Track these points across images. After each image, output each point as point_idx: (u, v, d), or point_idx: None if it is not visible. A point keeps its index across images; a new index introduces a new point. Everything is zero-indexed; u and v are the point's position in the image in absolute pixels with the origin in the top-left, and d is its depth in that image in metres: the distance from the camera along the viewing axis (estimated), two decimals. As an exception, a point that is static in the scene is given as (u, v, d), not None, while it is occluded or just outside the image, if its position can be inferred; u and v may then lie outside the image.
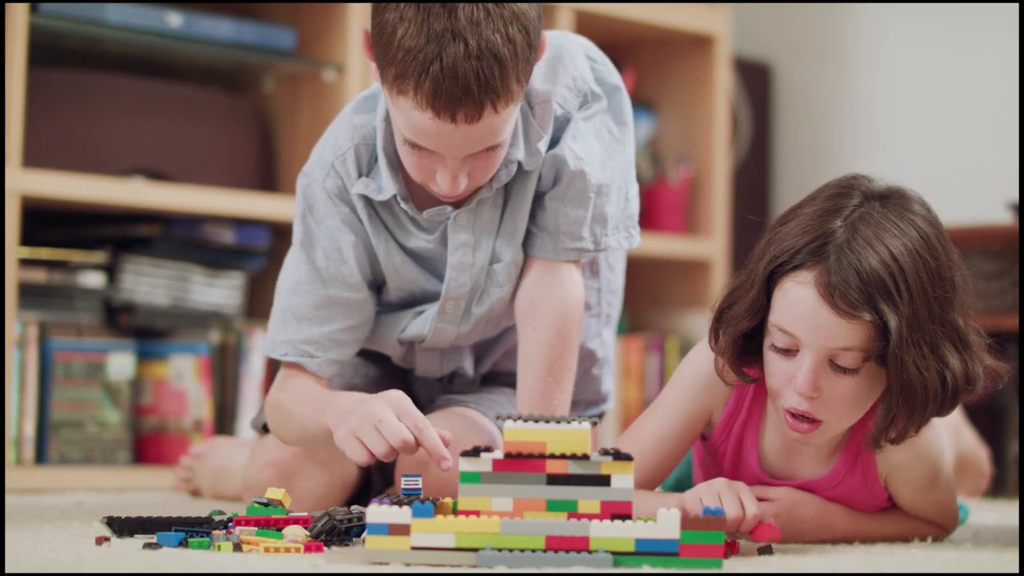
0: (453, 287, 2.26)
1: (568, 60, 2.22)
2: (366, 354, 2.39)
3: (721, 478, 1.99)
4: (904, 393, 1.94)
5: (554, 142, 2.21)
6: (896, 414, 1.95)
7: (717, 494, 1.95)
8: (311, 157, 2.26)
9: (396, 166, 2.18)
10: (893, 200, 1.99)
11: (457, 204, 2.21)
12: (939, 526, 2.16)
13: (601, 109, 2.25)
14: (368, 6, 3.38)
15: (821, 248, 1.94)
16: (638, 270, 3.98)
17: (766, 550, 1.92)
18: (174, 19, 3.18)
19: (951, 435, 2.94)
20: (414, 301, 2.31)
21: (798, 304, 1.95)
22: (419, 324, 2.30)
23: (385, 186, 2.18)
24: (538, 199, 2.24)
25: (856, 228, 1.95)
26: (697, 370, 2.12)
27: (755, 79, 4.33)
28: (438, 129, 2.00)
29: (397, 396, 2.01)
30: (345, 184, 2.21)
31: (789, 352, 1.97)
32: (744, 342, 2.03)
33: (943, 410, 1.98)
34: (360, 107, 2.23)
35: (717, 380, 2.08)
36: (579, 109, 2.23)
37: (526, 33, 2.01)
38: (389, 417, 1.97)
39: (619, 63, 3.86)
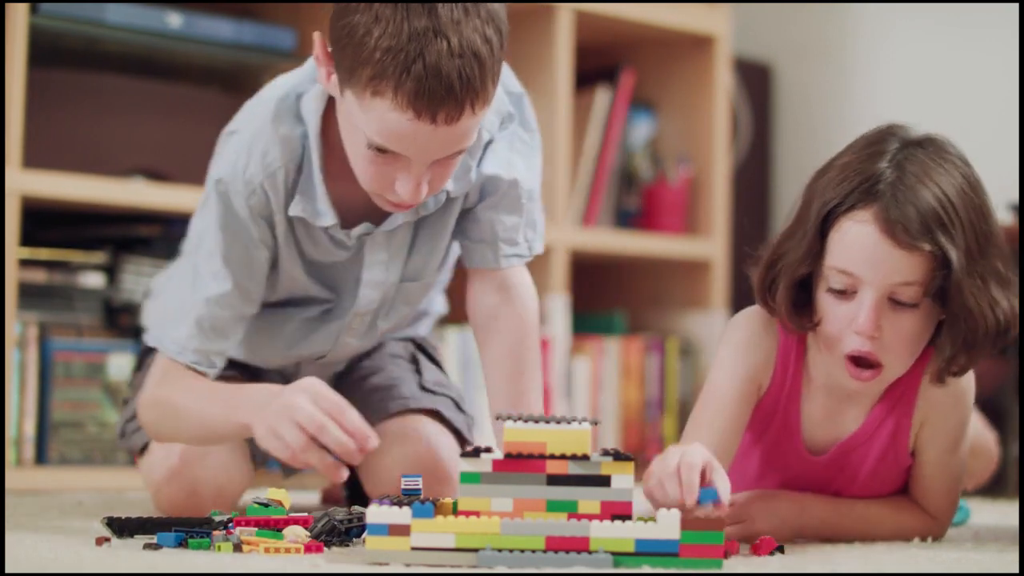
0: (364, 303, 2.26)
1: None
2: None
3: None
4: (968, 323, 1.96)
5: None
6: (960, 344, 1.98)
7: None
8: (223, 161, 2.16)
9: (326, 185, 2.15)
10: (929, 144, 2.04)
11: (377, 222, 2.20)
12: (933, 519, 2.14)
13: (514, 123, 2.27)
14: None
15: (873, 187, 1.97)
16: (638, 270, 3.98)
17: (778, 550, 1.92)
18: (174, 19, 3.18)
19: None
20: (289, 303, 2.28)
21: (858, 241, 1.96)
22: (321, 340, 2.29)
23: (323, 211, 2.14)
24: (467, 213, 2.25)
25: (903, 167, 1.99)
26: (746, 349, 2.09)
27: (755, 79, 4.33)
28: (416, 131, 1.97)
29: (310, 383, 1.91)
30: (271, 203, 2.14)
31: (847, 294, 1.98)
32: (795, 293, 2.03)
33: (998, 344, 2.00)
34: (282, 117, 2.14)
35: (762, 341, 2.08)
36: (499, 129, 2.24)
37: (500, 34, 2.02)
38: (305, 405, 1.88)
39: (619, 63, 3.88)
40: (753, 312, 2.11)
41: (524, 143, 2.26)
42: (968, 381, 2.11)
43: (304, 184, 2.14)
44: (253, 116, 2.18)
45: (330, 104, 2.13)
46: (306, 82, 2.16)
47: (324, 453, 1.87)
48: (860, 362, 2.00)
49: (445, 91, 1.94)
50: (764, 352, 2.09)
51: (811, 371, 2.09)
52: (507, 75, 2.23)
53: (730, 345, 2.10)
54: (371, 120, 1.99)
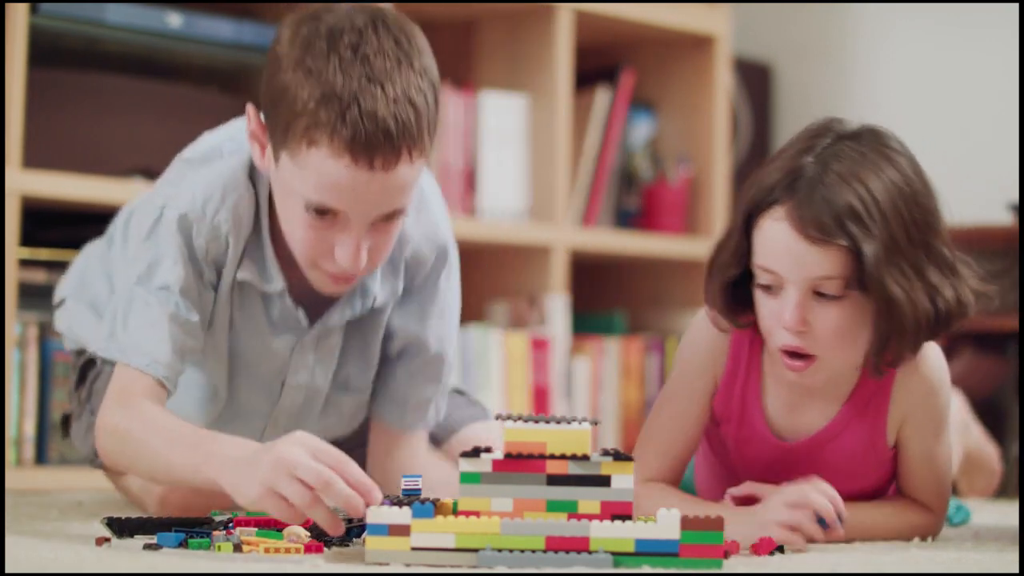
0: (287, 403, 2.26)
1: (428, 206, 2.22)
2: None
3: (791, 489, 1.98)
4: (891, 314, 1.97)
5: (407, 288, 2.24)
6: (888, 336, 1.99)
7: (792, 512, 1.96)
8: (186, 197, 2.10)
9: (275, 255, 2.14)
10: (865, 136, 2.05)
11: (313, 316, 2.19)
12: (928, 510, 2.14)
13: (454, 268, 2.28)
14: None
15: (792, 183, 2.00)
16: (638, 270, 3.98)
17: (778, 550, 1.92)
18: (174, 19, 3.18)
19: (959, 432, 2.95)
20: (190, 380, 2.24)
21: (774, 239, 1.99)
22: (243, 430, 2.21)
23: (272, 276, 2.14)
24: (387, 362, 2.27)
25: (827, 162, 2.00)
26: (696, 347, 2.14)
27: (755, 79, 4.33)
28: (354, 179, 1.96)
29: (303, 436, 1.80)
30: (228, 254, 2.12)
31: (775, 290, 2.01)
32: (735, 291, 2.06)
33: (937, 332, 2.02)
34: (250, 175, 2.13)
35: (716, 350, 2.12)
36: (434, 262, 2.24)
37: (433, 89, 2.01)
38: (305, 460, 1.76)
39: (619, 63, 3.88)
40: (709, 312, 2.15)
41: (449, 304, 2.27)
42: (940, 371, 2.12)
43: (252, 249, 2.13)
44: (221, 157, 2.15)
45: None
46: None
47: (328, 509, 1.79)
48: (792, 353, 2.03)
49: (382, 134, 1.94)
50: (717, 350, 2.12)
51: (766, 366, 2.12)
52: (442, 218, 2.24)
53: (685, 345, 2.15)
54: (308, 175, 1.98)
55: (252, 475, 1.79)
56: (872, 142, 2.04)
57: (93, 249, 2.52)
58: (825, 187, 1.97)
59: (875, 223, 1.96)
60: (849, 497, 2.06)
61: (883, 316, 1.98)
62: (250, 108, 2.06)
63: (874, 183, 1.98)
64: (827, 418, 2.11)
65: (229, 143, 2.17)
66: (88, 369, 2.40)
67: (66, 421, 2.51)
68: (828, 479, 2.09)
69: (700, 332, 2.13)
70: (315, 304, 2.19)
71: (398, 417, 2.27)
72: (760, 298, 2.03)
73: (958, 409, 3.10)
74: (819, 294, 1.99)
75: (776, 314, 2.01)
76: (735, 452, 2.18)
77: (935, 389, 2.12)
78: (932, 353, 2.12)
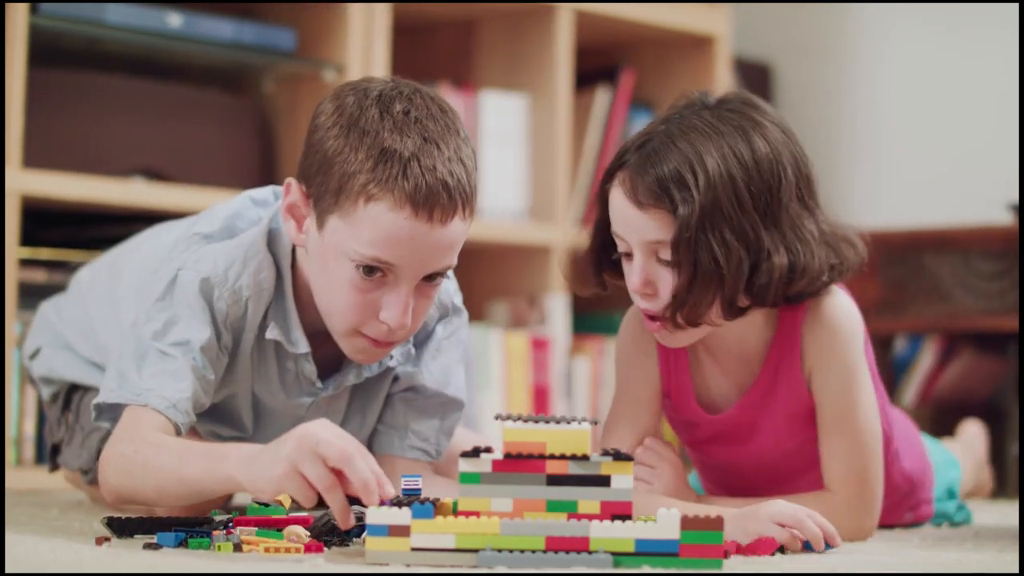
0: None
1: None
2: None
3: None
4: (695, 275, 2.03)
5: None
6: (688, 294, 2.04)
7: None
8: (208, 262, 2.12)
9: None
10: (728, 105, 2.10)
11: (325, 376, 2.21)
12: (831, 498, 2.11)
13: (462, 325, 2.31)
14: (370, 6, 3.39)
15: (638, 149, 2.07)
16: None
17: (779, 551, 1.93)
18: (174, 19, 3.18)
19: (976, 468, 2.99)
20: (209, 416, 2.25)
21: (614, 206, 2.09)
22: None
23: (297, 339, 2.16)
24: (389, 399, 2.30)
25: (671, 131, 2.07)
26: (624, 343, 2.23)
27: (755, 79, 4.32)
28: (412, 231, 1.99)
29: (324, 421, 1.82)
30: (246, 317, 2.14)
31: (629, 256, 2.09)
32: (609, 261, 2.15)
33: (758, 297, 2.06)
34: (271, 244, 2.15)
35: (644, 345, 2.20)
36: (438, 322, 2.28)
37: (475, 156, 2.07)
38: (330, 438, 1.77)
39: (619, 63, 3.88)
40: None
41: (444, 347, 2.30)
42: (843, 316, 2.14)
43: (276, 314, 2.15)
44: (234, 236, 2.17)
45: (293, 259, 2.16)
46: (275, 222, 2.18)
47: (344, 498, 1.79)
48: (651, 318, 2.11)
49: (441, 187, 1.99)
50: (649, 348, 2.21)
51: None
52: (453, 287, 2.30)
53: (622, 355, 2.24)
54: (363, 231, 2.00)
55: (275, 456, 1.79)
56: (731, 111, 2.09)
57: (53, 304, 2.57)
58: (658, 154, 2.05)
59: (698, 188, 2.02)
60: (800, 453, 2.16)
61: (688, 275, 2.04)
62: (290, 182, 2.09)
63: (708, 149, 2.04)
64: (754, 378, 2.16)
65: (240, 221, 2.19)
66: (72, 395, 2.43)
67: (54, 453, 2.53)
68: (769, 441, 2.15)
69: (634, 321, 2.21)
70: (329, 364, 2.21)
71: (399, 444, 2.29)
72: (624, 267, 2.12)
73: (981, 445, 3.13)
74: (659, 259, 2.06)
75: (630, 280, 2.09)
76: (682, 434, 2.27)
77: (836, 332, 2.14)
78: (836, 300, 2.15)
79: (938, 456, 2.55)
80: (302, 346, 2.16)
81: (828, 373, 2.14)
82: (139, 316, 2.12)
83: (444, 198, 1.99)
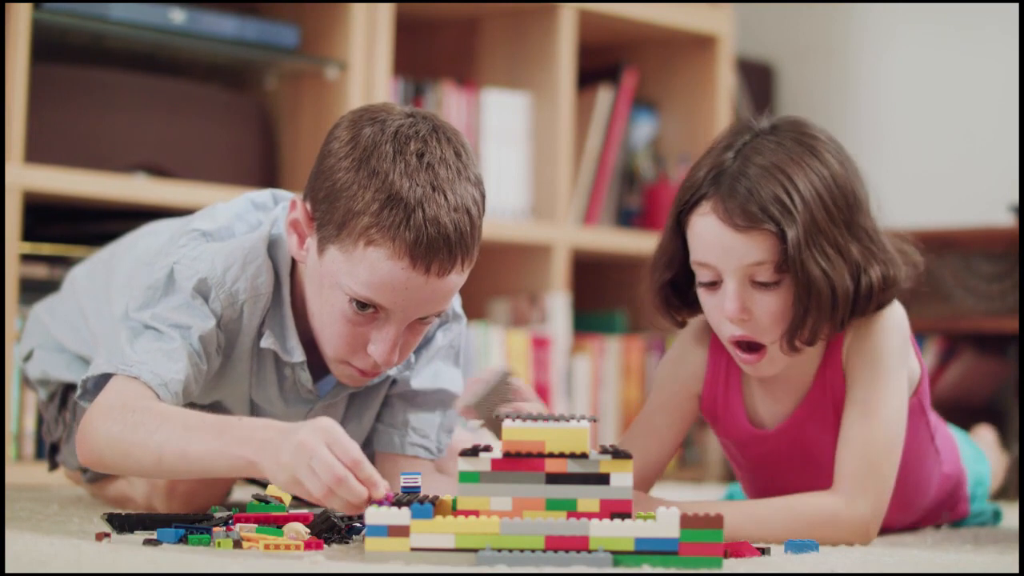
0: None
1: None
2: None
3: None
4: (810, 293, 2.05)
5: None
6: (805, 314, 2.06)
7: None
8: (206, 262, 2.10)
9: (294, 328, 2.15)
10: (784, 128, 2.12)
11: (319, 380, 2.21)
12: (837, 499, 2.08)
13: (460, 330, 2.31)
14: (373, 4, 3.39)
15: (716, 179, 2.08)
16: (639, 270, 3.97)
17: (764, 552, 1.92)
18: (177, 16, 3.18)
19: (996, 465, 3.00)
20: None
21: (704, 233, 2.08)
22: None
23: (293, 347, 2.15)
24: (386, 399, 2.29)
25: (747, 156, 2.08)
26: (672, 359, 2.26)
27: (757, 79, 4.32)
28: (408, 281, 1.98)
29: (327, 424, 1.80)
30: (242, 321, 2.13)
31: (715, 285, 2.09)
32: (676, 293, 2.18)
33: (858, 310, 2.09)
34: (271, 250, 2.13)
35: (690, 353, 2.23)
36: (438, 328, 2.28)
37: (483, 198, 2.05)
38: (321, 452, 1.76)
39: (621, 63, 3.88)
40: (689, 326, 2.25)
41: (441, 351, 2.30)
42: (891, 317, 2.14)
43: (273, 321, 2.14)
44: (238, 229, 2.16)
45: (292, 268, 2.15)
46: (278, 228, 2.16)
47: (344, 499, 1.78)
48: (743, 346, 2.10)
49: (443, 241, 1.97)
50: (693, 364, 2.23)
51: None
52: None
53: (665, 361, 2.27)
54: (360, 271, 1.99)
55: (277, 459, 1.79)
56: (790, 132, 2.10)
57: (46, 305, 2.56)
58: (747, 178, 2.05)
59: (796, 207, 2.04)
60: None
61: (802, 295, 2.05)
62: (297, 199, 2.08)
63: (793, 169, 2.06)
64: (799, 401, 2.17)
65: (239, 224, 2.18)
66: (69, 394, 2.42)
67: (52, 452, 2.53)
68: (817, 458, 2.15)
69: (681, 351, 2.24)
70: (326, 369, 2.20)
71: (399, 442, 2.29)
72: (703, 297, 2.11)
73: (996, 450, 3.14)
74: (756, 283, 2.06)
75: (719, 308, 2.09)
76: (732, 452, 2.27)
77: (877, 332, 2.13)
78: (887, 312, 2.15)
79: (967, 450, 2.56)
80: (297, 355, 2.15)
81: (859, 359, 2.14)
82: (131, 305, 2.10)
83: (444, 253, 1.98)
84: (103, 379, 2.04)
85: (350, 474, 1.76)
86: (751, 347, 2.10)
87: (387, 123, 2.01)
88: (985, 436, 3.20)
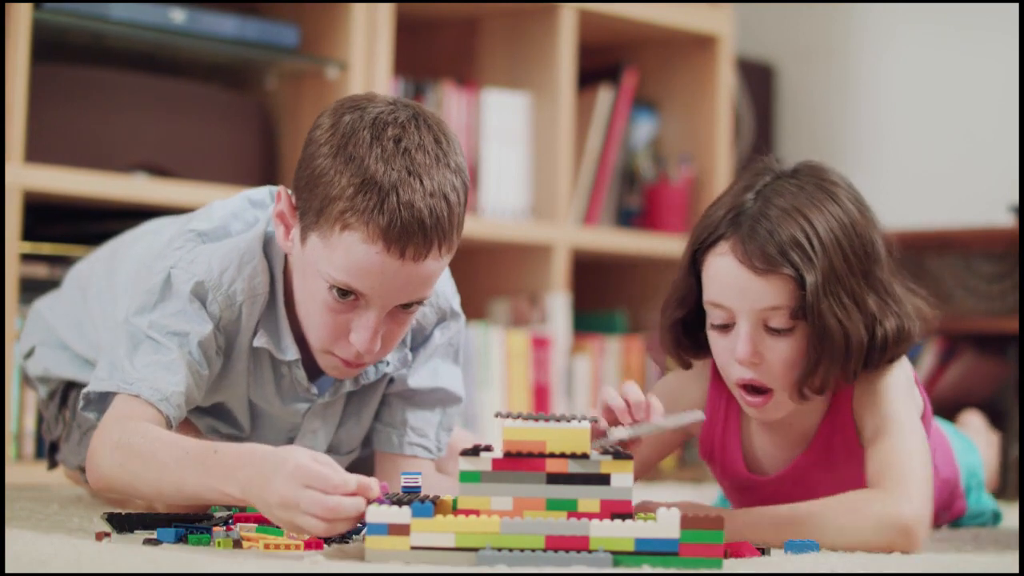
0: None
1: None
2: None
3: None
4: (824, 342, 2.01)
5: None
6: (817, 363, 2.02)
7: None
8: (202, 265, 2.11)
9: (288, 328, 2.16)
10: (804, 172, 2.09)
11: (321, 381, 2.21)
12: (890, 496, 2.03)
13: (459, 328, 2.31)
14: (373, 3, 3.39)
15: (735, 219, 2.04)
16: (639, 270, 3.98)
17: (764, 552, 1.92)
18: (178, 15, 3.18)
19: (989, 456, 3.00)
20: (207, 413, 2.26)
21: (720, 274, 2.04)
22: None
23: (287, 346, 2.15)
24: (384, 397, 2.30)
25: (768, 197, 2.05)
26: (668, 391, 2.21)
27: (758, 79, 4.32)
28: (383, 265, 1.98)
29: (296, 464, 1.77)
30: (240, 322, 2.13)
31: (727, 328, 2.06)
32: (687, 333, 2.13)
33: (872, 361, 2.05)
34: (267, 250, 2.14)
35: (688, 391, 2.19)
36: (436, 326, 2.28)
37: (465, 187, 2.04)
38: (304, 497, 1.74)
39: (622, 63, 3.88)
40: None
41: (439, 350, 2.29)
42: (893, 374, 2.10)
43: (267, 319, 2.15)
44: (229, 236, 2.16)
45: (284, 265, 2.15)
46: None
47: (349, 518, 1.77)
48: (750, 389, 2.07)
49: (417, 226, 1.97)
50: (690, 402, 2.18)
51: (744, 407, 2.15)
52: (448, 287, 2.29)
53: (660, 392, 2.18)
54: (337, 256, 2.00)
55: (270, 511, 1.78)
56: (810, 177, 2.07)
57: (47, 302, 2.56)
58: (768, 220, 2.02)
59: (816, 253, 2.00)
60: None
61: (816, 343, 2.02)
62: (281, 190, 2.08)
63: (814, 215, 2.03)
64: (803, 448, 2.14)
65: (236, 222, 2.18)
66: (69, 392, 2.42)
67: (52, 451, 2.53)
68: (820, 494, 2.09)
69: (678, 388, 2.20)
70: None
71: (397, 441, 2.29)
72: (713, 338, 2.08)
73: (986, 433, 3.13)
74: (769, 328, 2.03)
75: (729, 350, 2.05)
76: (727, 490, 2.25)
77: (884, 376, 2.10)
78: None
79: (957, 443, 2.56)
80: (291, 353, 2.15)
81: (870, 404, 2.10)
82: (130, 309, 2.11)
83: (419, 237, 1.97)
84: (105, 396, 2.07)
85: (341, 498, 1.75)
86: (757, 390, 2.07)
87: (367, 110, 2.02)
88: (973, 422, 3.21)
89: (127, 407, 2.03)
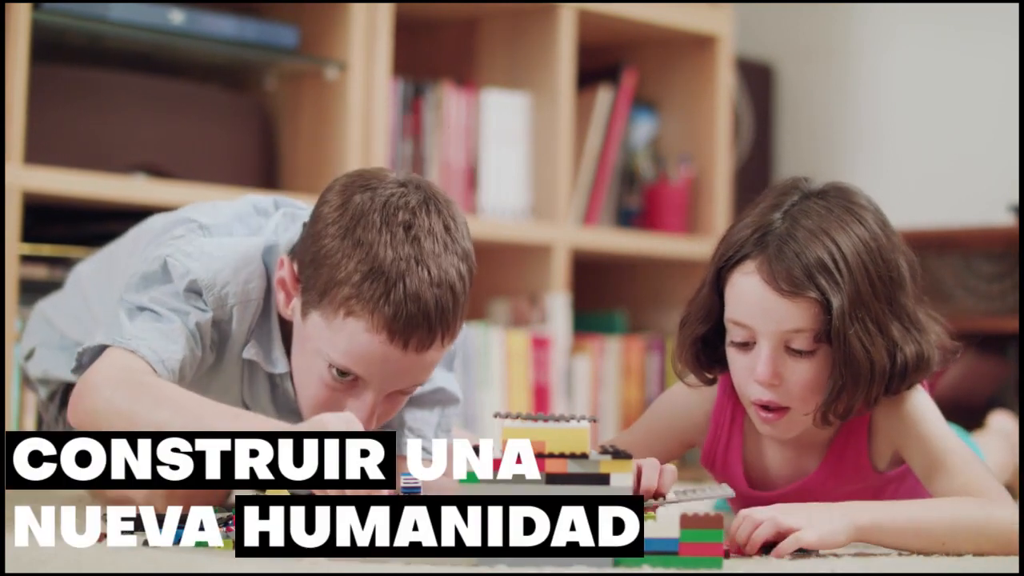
0: None
1: None
2: None
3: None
4: (849, 367, 2.00)
5: None
6: (842, 389, 2.01)
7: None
8: (201, 261, 2.10)
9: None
10: (832, 193, 2.07)
11: None
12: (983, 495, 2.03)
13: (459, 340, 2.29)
14: (372, 4, 3.38)
15: (762, 239, 2.03)
16: (639, 270, 3.98)
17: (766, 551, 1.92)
18: (176, 16, 3.18)
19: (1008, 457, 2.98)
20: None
21: (745, 294, 2.03)
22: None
23: (277, 358, 2.14)
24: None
25: (795, 218, 2.03)
26: (673, 402, 2.21)
27: (757, 79, 4.33)
28: (386, 355, 1.99)
29: (348, 418, 1.83)
30: (231, 325, 2.13)
31: (747, 346, 2.04)
32: (705, 348, 2.11)
33: (892, 387, 2.04)
34: (266, 260, 2.13)
35: (691, 411, 2.18)
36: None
37: (471, 273, 2.04)
38: (353, 421, 1.81)
39: (621, 62, 3.88)
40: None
41: (445, 367, 2.31)
42: (915, 397, 2.09)
43: (260, 330, 2.14)
44: (237, 230, 2.16)
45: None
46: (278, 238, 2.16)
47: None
48: (766, 408, 2.06)
49: (422, 317, 1.97)
50: (695, 416, 2.19)
51: (748, 424, 2.15)
52: None
53: (665, 403, 2.21)
54: (339, 340, 2.00)
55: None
56: (838, 199, 2.06)
57: (49, 303, 2.56)
58: (795, 241, 2.01)
59: (843, 277, 1.99)
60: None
61: (840, 368, 2.00)
62: (285, 258, 2.08)
63: (841, 238, 2.01)
64: (809, 469, 2.13)
65: (239, 226, 2.18)
66: (70, 393, 2.42)
67: None
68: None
69: (684, 402, 2.19)
70: None
71: (396, 442, 2.28)
72: (732, 355, 2.07)
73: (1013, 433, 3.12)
74: (790, 350, 2.02)
75: (749, 369, 2.04)
76: (728, 501, 2.25)
77: (918, 418, 2.09)
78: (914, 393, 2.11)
79: None
80: (281, 366, 2.15)
81: (919, 446, 2.07)
82: (127, 289, 2.10)
83: (423, 329, 1.97)
84: (100, 351, 2.04)
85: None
86: (773, 407, 2.05)
87: (378, 191, 2.01)
88: (1003, 424, 3.19)
89: (124, 359, 2.01)
